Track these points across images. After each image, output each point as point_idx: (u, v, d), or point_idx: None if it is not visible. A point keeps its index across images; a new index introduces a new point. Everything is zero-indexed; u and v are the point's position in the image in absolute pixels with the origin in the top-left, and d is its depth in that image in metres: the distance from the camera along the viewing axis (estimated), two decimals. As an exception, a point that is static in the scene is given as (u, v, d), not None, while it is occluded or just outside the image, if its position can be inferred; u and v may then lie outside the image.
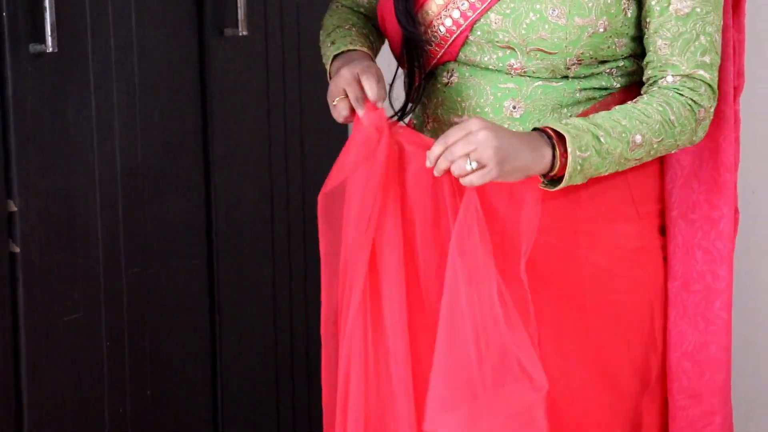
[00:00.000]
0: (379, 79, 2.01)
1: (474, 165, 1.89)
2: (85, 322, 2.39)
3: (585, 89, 2.03)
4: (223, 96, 2.59)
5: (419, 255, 2.05)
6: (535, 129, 1.96)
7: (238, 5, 2.55)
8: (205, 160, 2.59)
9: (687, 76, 1.99)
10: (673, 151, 2.02)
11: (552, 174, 1.94)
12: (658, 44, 1.99)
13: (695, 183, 2.11)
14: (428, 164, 1.93)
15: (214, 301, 2.64)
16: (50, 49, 2.24)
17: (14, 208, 2.27)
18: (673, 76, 1.99)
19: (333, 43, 2.13)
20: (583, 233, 2.05)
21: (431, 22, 2.06)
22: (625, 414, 2.11)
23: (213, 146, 2.59)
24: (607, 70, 2.04)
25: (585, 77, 2.03)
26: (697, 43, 1.98)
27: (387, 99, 2.07)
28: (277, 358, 2.77)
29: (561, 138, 1.92)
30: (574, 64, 2.01)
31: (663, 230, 2.13)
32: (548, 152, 1.92)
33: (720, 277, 2.11)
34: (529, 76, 2.02)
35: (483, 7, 2.01)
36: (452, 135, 1.90)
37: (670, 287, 2.13)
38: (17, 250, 2.28)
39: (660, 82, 2.00)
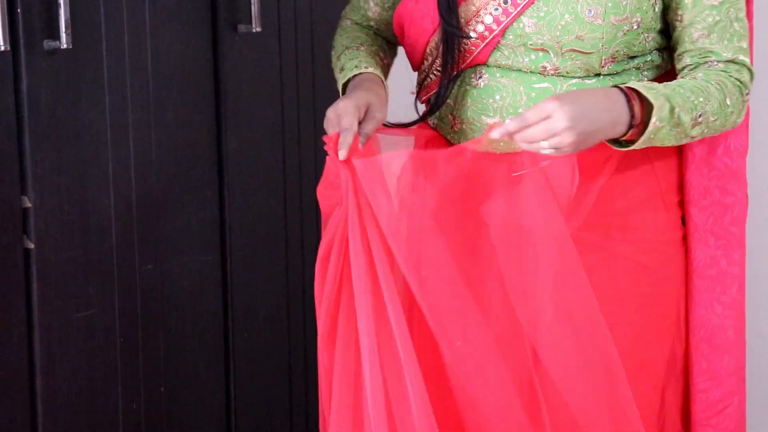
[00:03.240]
0: (358, 111, 1.99)
1: (550, 152, 1.87)
2: (99, 318, 2.40)
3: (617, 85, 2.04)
4: (236, 92, 2.59)
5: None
6: (616, 87, 1.94)
7: (252, 1, 2.55)
8: (219, 156, 2.59)
9: (730, 61, 2.02)
10: (718, 133, 2.03)
11: (624, 137, 1.94)
12: (694, 35, 2.02)
13: (705, 169, 2.12)
14: (495, 135, 1.88)
15: (227, 298, 2.64)
16: (64, 46, 2.24)
17: (28, 205, 2.27)
18: (717, 61, 2.02)
19: (342, 69, 2.12)
20: (615, 226, 2.06)
21: (461, 27, 2.05)
22: (654, 400, 2.14)
23: (226, 142, 2.59)
24: (636, 65, 2.05)
25: (617, 74, 2.04)
26: (732, 29, 2.01)
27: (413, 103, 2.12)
28: (291, 355, 2.77)
29: (643, 105, 1.92)
30: (608, 62, 2.01)
31: (683, 220, 2.15)
32: (625, 119, 1.91)
33: (734, 261, 2.13)
34: (563, 76, 2.02)
35: (516, 12, 2.00)
36: (531, 117, 1.87)
37: (687, 272, 2.14)
38: (31, 246, 2.28)
39: (703, 66, 2.02)
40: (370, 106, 2.01)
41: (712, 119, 1.98)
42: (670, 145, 1.98)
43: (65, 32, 2.23)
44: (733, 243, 2.13)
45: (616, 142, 1.97)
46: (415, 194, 2.00)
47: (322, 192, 2.04)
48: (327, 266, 2.00)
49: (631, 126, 1.92)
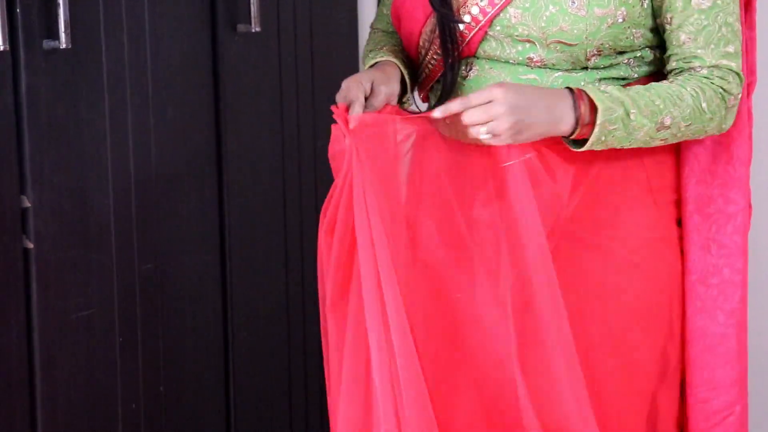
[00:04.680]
0: (362, 85, 2.04)
1: (487, 136, 1.94)
2: (98, 318, 2.40)
3: (605, 79, 2.05)
4: (236, 92, 2.59)
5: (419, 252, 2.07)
6: (569, 89, 1.98)
7: (251, 1, 2.55)
8: (218, 156, 2.59)
9: (714, 66, 2.02)
10: (700, 137, 2.05)
11: (573, 136, 1.98)
12: (681, 39, 2.02)
13: (709, 178, 2.13)
14: (437, 115, 1.97)
15: (226, 297, 2.64)
16: (64, 46, 2.24)
17: (28, 204, 2.27)
18: (701, 67, 2.02)
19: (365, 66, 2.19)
20: (604, 221, 2.07)
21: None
22: (644, 402, 2.13)
23: (226, 142, 2.59)
24: (626, 61, 2.06)
25: (604, 67, 2.05)
26: (719, 34, 2.01)
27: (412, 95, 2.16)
28: (290, 354, 2.77)
29: (593, 107, 1.96)
30: (594, 55, 2.03)
31: (679, 222, 2.14)
32: (570, 119, 1.96)
33: (737, 270, 2.13)
34: (550, 68, 2.04)
35: (502, 3, 2.02)
36: (474, 99, 1.94)
37: (687, 281, 2.14)
38: (31, 246, 2.28)
39: (687, 72, 2.03)
40: (374, 81, 2.07)
41: (685, 124, 2.00)
42: (634, 147, 2.01)
43: (64, 32, 2.23)
44: (736, 252, 2.13)
45: (573, 142, 2.00)
46: (415, 174, 2.09)
47: (330, 159, 2.09)
48: (332, 236, 2.04)
49: (576, 123, 1.96)
